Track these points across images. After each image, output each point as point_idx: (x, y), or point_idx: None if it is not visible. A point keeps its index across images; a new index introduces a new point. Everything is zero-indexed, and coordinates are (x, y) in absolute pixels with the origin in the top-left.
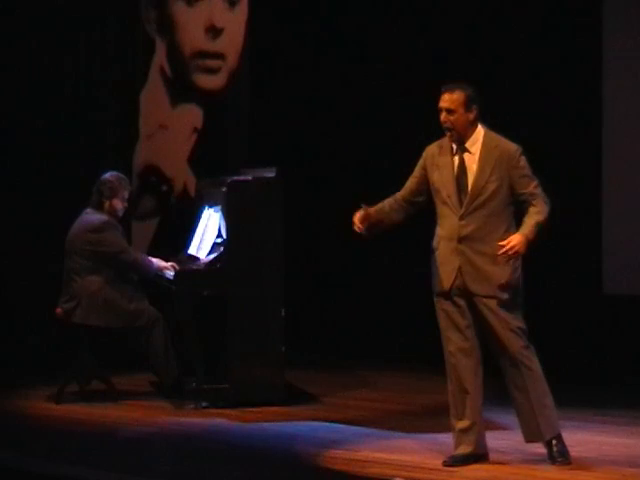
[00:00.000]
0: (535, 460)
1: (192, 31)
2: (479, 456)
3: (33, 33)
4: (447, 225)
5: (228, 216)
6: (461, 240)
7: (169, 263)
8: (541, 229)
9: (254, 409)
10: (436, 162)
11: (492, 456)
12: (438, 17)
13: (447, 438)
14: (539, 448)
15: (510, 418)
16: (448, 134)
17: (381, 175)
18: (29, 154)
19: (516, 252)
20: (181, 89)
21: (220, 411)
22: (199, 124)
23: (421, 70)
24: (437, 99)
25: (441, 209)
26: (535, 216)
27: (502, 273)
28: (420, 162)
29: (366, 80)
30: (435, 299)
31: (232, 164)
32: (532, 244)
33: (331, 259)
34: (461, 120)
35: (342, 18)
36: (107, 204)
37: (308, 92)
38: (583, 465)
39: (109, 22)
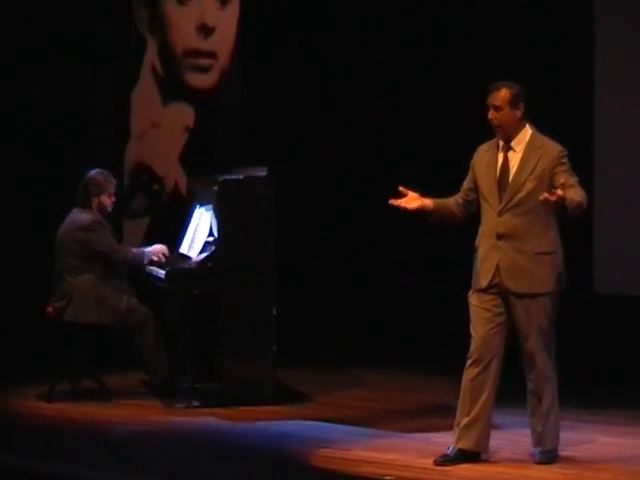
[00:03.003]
0: (527, 460)
1: (184, 30)
2: (475, 454)
3: (26, 32)
4: (487, 222)
5: (219, 215)
6: (500, 237)
7: (159, 246)
8: (577, 210)
9: (245, 408)
10: (483, 160)
11: (484, 455)
12: (433, 19)
13: (439, 437)
14: (532, 448)
15: (502, 417)
16: (496, 131)
17: (374, 174)
18: (19, 154)
19: (560, 197)
20: (173, 88)
21: (211, 410)
22: (190, 123)
23: (416, 69)
24: (431, 98)
25: (483, 206)
26: (574, 194)
27: (540, 271)
28: (471, 162)
29: (358, 78)
30: (469, 294)
31: (223, 163)
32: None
33: (322, 258)
34: (508, 117)
35: (334, 16)
36: (96, 201)
37: (300, 91)
38: (575, 465)
39: (101, 21)
